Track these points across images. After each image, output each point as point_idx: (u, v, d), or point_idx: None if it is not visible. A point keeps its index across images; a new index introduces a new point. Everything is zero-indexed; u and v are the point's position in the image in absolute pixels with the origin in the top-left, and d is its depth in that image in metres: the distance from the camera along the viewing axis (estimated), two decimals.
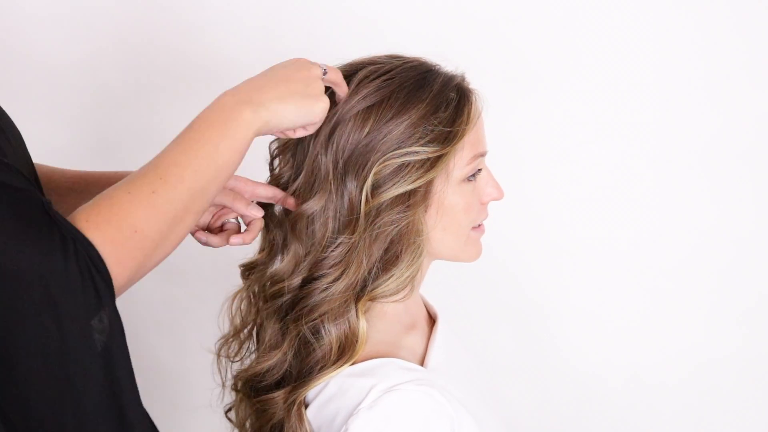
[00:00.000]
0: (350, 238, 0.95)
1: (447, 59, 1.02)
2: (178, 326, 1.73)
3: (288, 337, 0.99)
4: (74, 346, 0.73)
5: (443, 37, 1.60)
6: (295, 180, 0.99)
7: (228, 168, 0.84)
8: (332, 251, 0.96)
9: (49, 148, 1.65)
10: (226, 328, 1.08)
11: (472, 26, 1.61)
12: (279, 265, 1.00)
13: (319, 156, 0.96)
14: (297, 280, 0.98)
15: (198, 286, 1.67)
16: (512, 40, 1.61)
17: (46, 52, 1.64)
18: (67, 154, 1.66)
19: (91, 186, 1.07)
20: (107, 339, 0.75)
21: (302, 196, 0.98)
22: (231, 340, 1.07)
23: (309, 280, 0.98)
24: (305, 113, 0.89)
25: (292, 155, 1.00)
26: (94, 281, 0.74)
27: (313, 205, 0.96)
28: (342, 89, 0.95)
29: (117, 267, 0.76)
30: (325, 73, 0.93)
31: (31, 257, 0.71)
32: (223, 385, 1.09)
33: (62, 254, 0.72)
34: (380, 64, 0.98)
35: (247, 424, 1.07)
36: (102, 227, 0.75)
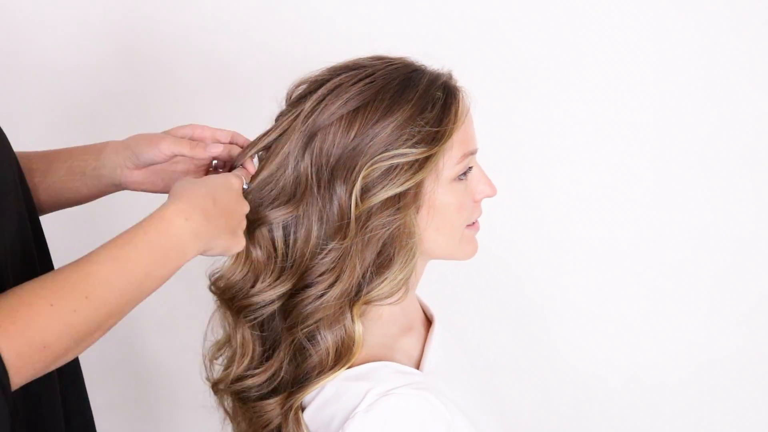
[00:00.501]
0: (341, 244, 0.94)
1: (433, 58, 1.01)
2: (179, 326, 1.73)
3: (283, 345, 0.98)
4: None
5: (443, 37, 1.60)
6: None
7: (147, 292, 0.83)
8: (322, 258, 0.95)
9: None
10: (217, 333, 1.08)
11: (472, 26, 1.61)
12: (243, 277, 0.99)
13: (297, 165, 0.95)
14: (277, 292, 0.97)
15: (199, 285, 1.67)
16: (512, 39, 1.60)
17: (47, 55, 1.65)
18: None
19: (54, 164, 1.06)
20: None
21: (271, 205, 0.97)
22: (223, 347, 1.07)
23: (299, 289, 0.97)
24: (227, 250, 0.92)
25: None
26: None
27: (286, 211, 0.96)
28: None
29: (15, 377, 0.73)
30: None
31: None
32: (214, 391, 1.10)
33: None
34: (362, 67, 0.98)
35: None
36: (14, 338, 0.72)
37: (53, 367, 0.77)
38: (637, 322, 1.68)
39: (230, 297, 1.00)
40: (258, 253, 0.98)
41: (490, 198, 1.03)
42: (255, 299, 0.98)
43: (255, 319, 1.00)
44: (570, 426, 1.74)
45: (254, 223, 0.97)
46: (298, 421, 0.97)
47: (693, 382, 1.68)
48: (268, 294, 0.97)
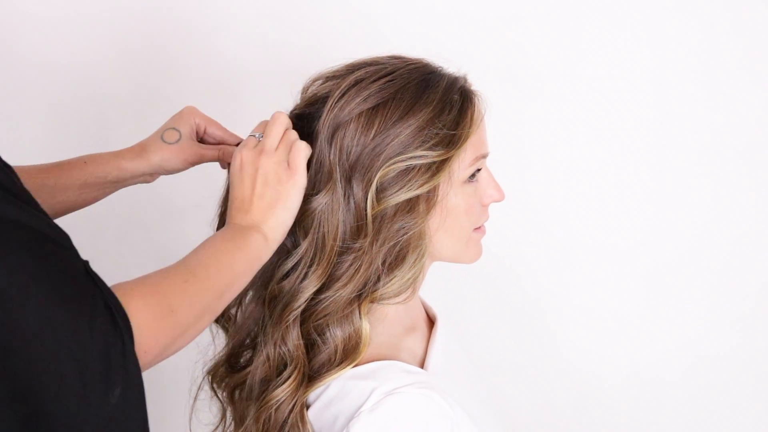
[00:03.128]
0: (360, 244, 0.94)
1: (448, 60, 1.02)
2: None
3: (272, 337, 0.99)
4: (91, 412, 0.75)
5: (448, 38, 1.61)
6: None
7: (242, 278, 0.91)
8: (345, 257, 0.95)
9: (49, 150, 1.64)
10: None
11: (476, 28, 1.62)
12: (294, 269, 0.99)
13: (322, 154, 0.95)
14: (313, 287, 0.97)
15: None
16: (517, 41, 1.62)
17: (46, 55, 1.63)
18: (68, 156, 1.66)
19: (63, 176, 1.10)
20: (121, 397, 0.77)
21: (307, 194, 0.97)
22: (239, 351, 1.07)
23: (322, 286, 0.97)
24: (293, 203, 0.95)
25: None
26: (124, 355, 0.75)
27: (321, 200, 0.95)
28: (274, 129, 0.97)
29: (151, 340, 0.79)
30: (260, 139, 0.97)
31: (75, 324, 0.73)
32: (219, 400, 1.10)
33: (101, 323, 0.74)
34: (382, 64, 0.98)
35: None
36: (146, 298, 0.79)
37: (179, 345, 0.83)
38: (637, 320, 1.70)
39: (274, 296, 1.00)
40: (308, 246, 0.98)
41: (498, 202, 1.04)
42: (299, 295, 0.97)
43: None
44: (570, 424, 1.76)
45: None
46: (303, 419, 0.97)
47: (692, 380, 1.71)
48: (308, 289, 0.97)
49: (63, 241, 0.76)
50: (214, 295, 0.87)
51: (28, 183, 1.05)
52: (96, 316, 0.74)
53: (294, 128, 0.98)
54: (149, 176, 1.14)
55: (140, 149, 1.11)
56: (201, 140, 1.13)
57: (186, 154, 1.10)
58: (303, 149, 0.95)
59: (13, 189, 0.75)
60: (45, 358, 0.71)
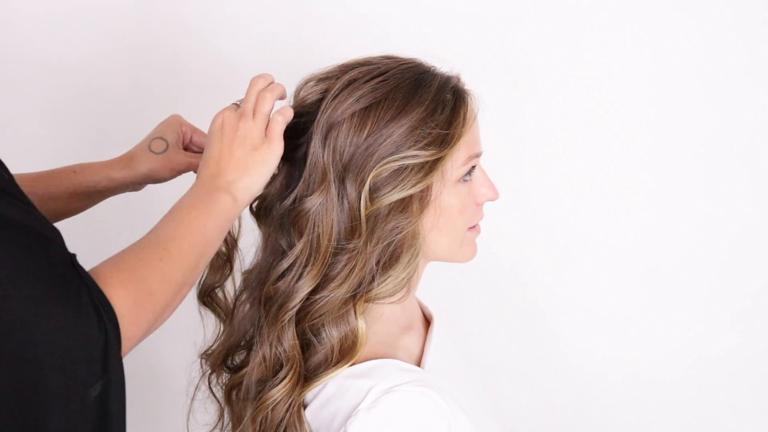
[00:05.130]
0: (354, 244, 0.95)
1: (446, 60, 1.02)
2: (180, 325, 1.72)
3: (266, 337, 0.99)
4: (72, 403, 0.76)
5: (447, 38, 1.61)
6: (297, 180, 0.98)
7: (214, 244, 0.92)
8: (339, 257, 0.96)
9: (49, 149, 1.65)
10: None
11: (476, 28, 1.62)
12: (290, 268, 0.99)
13: (316, 154, 0.96)
14: (308, 288, 0.97)
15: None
16: (517, 41, 1.62)
17: (46, 53, 1.64)
18: (68, 154, 1.65)
19: (53, 185, 1.12)
20: (100, 394, 0.78)
21: (301, 195, 0.97)
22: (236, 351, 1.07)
23: (317, 286, 0.97)
24: (266, 171, 0.95)
25: (290, 158, 1.00)
26: (106, 347, 0.77)
27: (315, 201, 0.95)
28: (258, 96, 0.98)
29: (133, 327, 0.80)
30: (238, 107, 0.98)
31: (60, 317, 0.74)
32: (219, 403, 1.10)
33: (86, 317, 0.75)
34: (374, 65, 0.98)
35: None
36: (126, 285, 0.80)
37: (158, 324, 0.85)
38: (636, 320, 1.71)
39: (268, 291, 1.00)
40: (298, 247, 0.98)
41: (493, 201, 1.04)
42: (294, 296, 0.98)
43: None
44: (569, 423, 1.76)
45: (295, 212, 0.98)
46: (300, 419, 0.97)
47: (692, 379, 1.71)
48: (303, 290, 0.97)
49: (49, 234, 0.77)
50: (189, 268, 0.87)
51: None
52: (80, 310, 0.75)
53: (291, 129, 0.99)
54: (138, 185, 1.16)
55: (128, 159, 1.13)
56: (186, 148, 1.15)
57: (173, 163, 1.12)
58: (279, 120, 0.96)
59: (1, 183, 0.76)
60: (29, 351, 0.72)
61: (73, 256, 0.79)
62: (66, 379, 0.74)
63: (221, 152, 0.94)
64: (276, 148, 0.95)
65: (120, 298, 0.79)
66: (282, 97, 1.01)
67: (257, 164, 0.94)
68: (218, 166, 0.94)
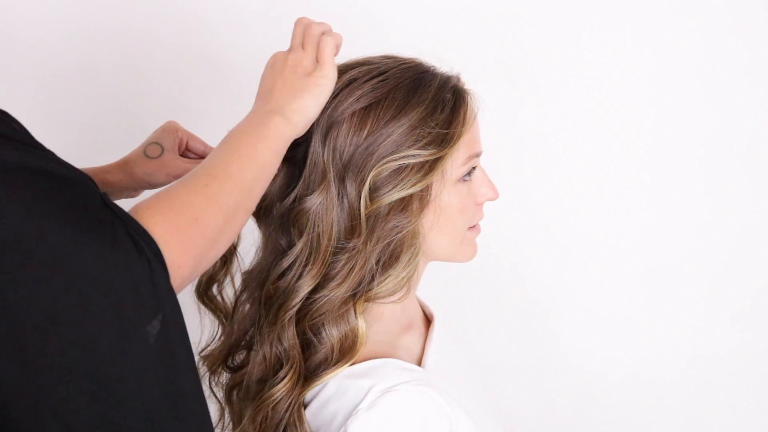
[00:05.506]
0: (354, 243, 0.95)
1: (447, 59, 1.02)
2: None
3: (267, 336, 0.99)
4: (131, 345, 0.73)
5: (447, 37, 1.62)
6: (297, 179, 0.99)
7: (269, 167, 0.89)
8: (339, 257, 0.96)
9: (46, 146, 1.64)
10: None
11: (476, 27, 1.62)
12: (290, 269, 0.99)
13: (316, 154, 0.96)
14: (308, 287, 0.97)
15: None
16: (517, 40, 1.62)
17: (45, 52, 1.63)
18: (67, 154, 1.65)
19: None
20: (160, 332, 0.75)
21: (301, 195, 0.97)
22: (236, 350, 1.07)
23: (317, 286, 0.97)
24: (320, 94, 0.93)
25: (290, 158, 1.00)
26: (153, 278, 0.74)
27: (315, 200, 0.95)
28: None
29: (181, 254, 0.77)
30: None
31: (97, 255, 0.71)
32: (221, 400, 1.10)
33: (125, 251, 0.72)
34: (374, 64, 0.98)
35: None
36: (165, 212, 0.77)
37: (215, 252, 0.82)
38: (636, 320, 1.71)
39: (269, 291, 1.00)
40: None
41: (493, 201, 1.04)
42: (295, 295, 0.98)
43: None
44: (570, 424, 1.77)
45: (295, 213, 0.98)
46: (300, 418, 0.97)
47: (692, 379, 1.72)
48: (303, 289, 0.97)
49: (74, 175, 0.75)
50: (242, 192, 0.85)
51: None
52: (117, 246, 0.72)
53: None
54: (133, 191, 1.16)
55: (123, 164, 1.13)
56: (183, 154, 1.15)
57: (168, 168, 1.12)
58: (329, 43, 0.96)
59: (14, 135, 0.75)
60: (71, 294, 0.70)
61: (104, 194, 0.76)
62: (119, 319, 0.71)
63: (273, 82, 0.94)
64: (329, 72, 0.94)
65: (159, 226, 0.76)
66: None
67: (310, 86, 0.92)
68: (271, 95, 0.93)
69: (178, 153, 1.14)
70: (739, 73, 1.59)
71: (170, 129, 1.14)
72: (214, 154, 0.88)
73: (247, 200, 0.86)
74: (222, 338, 1.09)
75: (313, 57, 0.95)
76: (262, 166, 0.88)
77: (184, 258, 0.77)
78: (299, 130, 0.92)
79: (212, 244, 0.81)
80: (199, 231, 0.79)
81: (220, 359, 1.08)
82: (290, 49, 0.97)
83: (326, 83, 0.94)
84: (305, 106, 0.92)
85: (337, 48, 0.96)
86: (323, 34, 0.97)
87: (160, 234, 0.76)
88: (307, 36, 0.97)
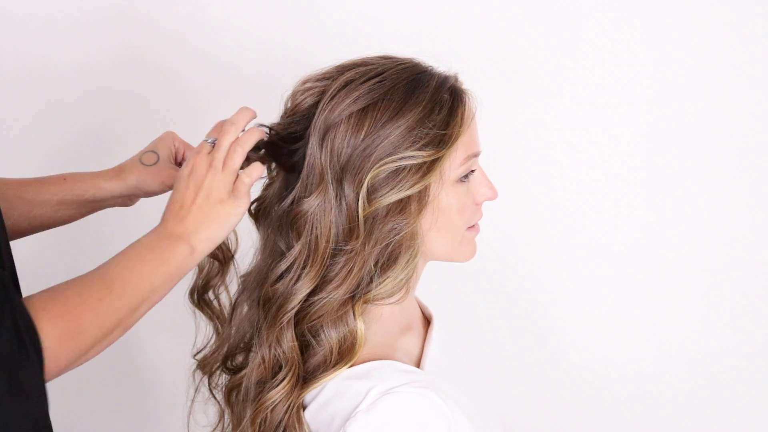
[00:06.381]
0: (352, 245, 0.95)
1: (440, 60, 1.01)
2: (178, 325, 1.73)
3: (266, 338, 0.99)
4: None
5: (447, 37, 1.61)
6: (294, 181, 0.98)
7: (160, 292, 0.92)
8: (337, 259, 0.96)
9: (48, 148, 1.65)
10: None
11: (475, 27, 1.62)
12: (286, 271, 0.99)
13: (314, 156, 0.96)
14: (307, 289, 0.97)
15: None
16: (516, 40, 1.62)
17: (46, 53, 1.64)
18: (67, 153, 1.66)
19: (42, 190, 1.13)
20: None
21: (299, 197, 0.97)
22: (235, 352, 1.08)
23: (316, 288, 0.97)
24: (229, 225, 0.96)
25: (284, 165, 1.00)
26: (29, 371, 0.79)
27: (312, 202, 0.95)
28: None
29: (53, 363, 0.81)
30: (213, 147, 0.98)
31: None
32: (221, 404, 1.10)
33: (7, 338, 0.77)
34: (371, 65, 0.98)
35: None
36: (56, 321, 0.81)
37: (80, 362, 0.85)
38: (636, 318, 1.71)
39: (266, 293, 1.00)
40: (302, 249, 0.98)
41: (492, 201, 1.04)
42: (293, 297, 0.98)
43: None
44: (570, 423, 1.77)
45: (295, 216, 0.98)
46: (299, 420, 0.97)
47: (692, 377, 1.72)
48: (302, 291, 0.97)
49: None
50: (128, 311, 0.88)
51: (7, 194, 1.08)
52: (1, 332, 0.76)
53: (285, 138, 0.98)
54: (128, 199, 1.17)
55: (118, 170, 1.14)
56: (179, 165, 1.16)
57: (163, 176, 1.13)
58: (247, 180, 0.96)
59: None
60: None
61: (6, 276, 0.80)
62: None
63: (185, 199, 0.95)
64: (241, 205, 0.96)
65: (46, 328, 0.80)
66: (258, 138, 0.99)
67: (220, 217, 0.94)
68: (180, 214, 0.94)
69: (173, 162, 1.15)
70: (737, 73, 1.58)
71: (167, 138, 1.16)
72: (116, 263, 0.90)
73: (129, 320, 0.89)
74: (216, 343, 1.09)
75: (229, 183, 0.95)
76: (155, 289, 0.91)
77: (52, 366, 0.81)
78: (201, 257, 0.95)
79: (83, 355, 0.85)
80: (78, 344, 0.83)
81: (219, 361, 1.08)
82: (210, 166, 0.95)
83: (237, 214, 0.96)
84: (213, 236, 0.94)
85: (253, 180, 0.97)
86: (243, 171, 0.97)
87: (44, 336, 0.80)
88: (229, 158, 0.96)
